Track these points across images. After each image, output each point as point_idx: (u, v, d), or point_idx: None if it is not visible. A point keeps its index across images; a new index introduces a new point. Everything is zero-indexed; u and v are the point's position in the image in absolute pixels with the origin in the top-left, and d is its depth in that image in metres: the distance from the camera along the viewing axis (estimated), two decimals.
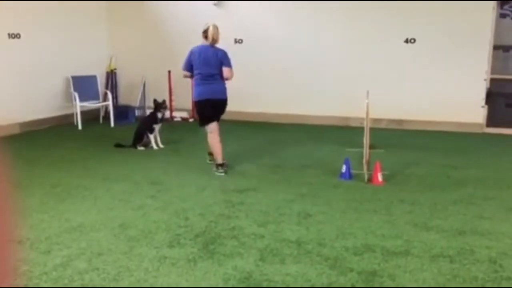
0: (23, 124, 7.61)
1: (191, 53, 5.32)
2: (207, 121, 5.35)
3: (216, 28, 5.32)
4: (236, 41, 9.03)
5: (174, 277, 2.90)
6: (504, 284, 2.82)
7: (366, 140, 5.14)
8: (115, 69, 9.54)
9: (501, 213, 4.07)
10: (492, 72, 8.02)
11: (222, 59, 5.23)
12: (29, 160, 5.79)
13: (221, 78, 5.25)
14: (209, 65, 5.20)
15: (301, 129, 8.04)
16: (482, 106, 8.06)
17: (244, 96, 9.03)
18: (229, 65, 5.25)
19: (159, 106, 6.67)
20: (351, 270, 2.99)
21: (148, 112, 9.37)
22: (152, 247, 3.33)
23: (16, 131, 7.44)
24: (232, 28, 8.98)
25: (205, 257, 3.17)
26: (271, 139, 7.26)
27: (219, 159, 5.29)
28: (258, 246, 3.35)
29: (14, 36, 7.38)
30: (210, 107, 5.28)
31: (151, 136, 6.55)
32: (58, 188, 4.67)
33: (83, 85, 8.44)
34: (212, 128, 5.36)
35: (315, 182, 4.94)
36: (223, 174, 5.22)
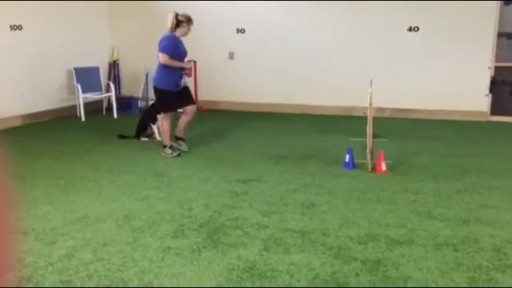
0: (26, 116, 7.62)
1: None
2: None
3: (170, 13, 5.50)
4: (238, 31, 8.99)
5: (178, 267, 2.91)
6: (508, 272, 2.82)
7: (369, 130, 5.13)
8: (117, 60, 9.53)
9: (505, 201, 4.06)
10: (497, 60, 7.96)
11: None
12: (32, 152, 5.81)
13: (161, 65, 5.49)
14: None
15: (305, 119, 8.02)
16: (486, 95, 8.02)
17: (246, 86, 9.02)
18: (160, 50, 5.45)
19: None
20: (355, 259, 3.00)
21: (151, 103, 9.38)
22: (157, 237, 3.34)
23: (19, 123, 7.45)
24: (234, 18, 8.94)
25: (209, 247, 3.18)
26: (275, 129, 7.25)
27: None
28: (262, 236, 3.36)
29: (16, 27, 7.36)
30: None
31: (154, 127, 6.53)
32: (62, 180, 4.68)
33: (85, 76, 8.43)
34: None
35: (319, 172, 4.94)
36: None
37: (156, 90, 5.65)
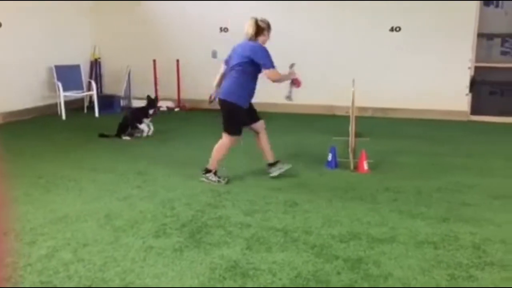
0: (6, 115, 7.49)
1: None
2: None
3: (250, 19, 4.61)
4: (221, 30, 8.97)
5: (160, 266, 2.89)
6: (487, 269, 2.86)
7: (352, 129, 5.16)
8: (99, 58, 9.43)
9: (485, 200, 4.12)
10: (476, 60, 8.08)
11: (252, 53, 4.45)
12: (12, 151, 5.71)
13: (239, 74, 4.49)
14: (233, 57, 4.57)
15: (288, 118, 8.04)
16: (467, 94, 8.13)
17: None
18: (266, 65, 4.44)
19: (152, 102, 6.76)
20: (337, 257, 3.01)
21: (134, 101, 9.30)
22: (139, 237, 3.31)
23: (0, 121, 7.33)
24: (217, 16, 8.91)
25: (192, 246, 3.17)
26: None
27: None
28: (245, 235, 3.35)
29: None
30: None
31: (142, 125, 6.61)
32: (42, 179, 4.62)
33: (66, 74, 8.32)
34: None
35: (302, 171, 4.95)
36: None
37: (227, 104, 4.50)
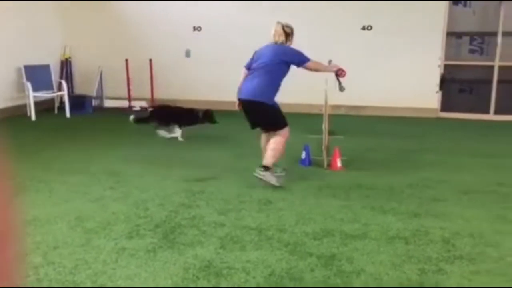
0: None
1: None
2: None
3: (277, 25, 4.61)
4: (195, 29, 8.92)
5: (133, 268, 2.86)
6: (456, 263, 2.92)
7: (325, 127, 5.20)
8: (69, 57, 9.26)
9: (454, 195, 4.21)
10: (446, 59, 8.25)
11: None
12: None
13: (267, 74, 4.47)
14: (260, 59, 4.55)
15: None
16: (437, 92, 8.30)
17: (203, 84, 8.96)
18: (300, 61, 4.57)
19: (208, 117, 6.53)
20: (311, 254, 3.03)
21: (106, 101, 9.18)
22: (111, 238, 3.27)
23: None
24: (190, 15, 8.86)
25: (165, 247, 3.14)
26: (232, 127, 7.23)
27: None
28: (219, 234, 3.35)
29: None
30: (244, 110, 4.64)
31: (178, 130, 6.45)
32: (11, 181, 4.50)
33: (36, 74, 8.15)
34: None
35: (276, 169, 4.96)
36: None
37: (259, 104, 4.47)
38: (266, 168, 4.38)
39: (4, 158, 0.75)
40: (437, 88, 8.28)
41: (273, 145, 4.47)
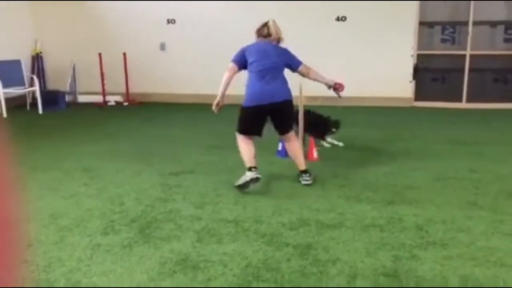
0: None
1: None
2: None
3: (273, 22, 4.48)
4: (168, 22, 8.83)
5: (108, 264, 2.83)
6: (430, 248, 2.98)
7: (300, 118, 5.22)
8: (40, 52, 9.07)
9: (427, 182, 4.29)
10: (419, 48, 8.36)
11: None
12: None
13: (281, 74, 4.33)
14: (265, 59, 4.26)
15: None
16: (410, 81, 8.40)
17: (178, 78, 8.90)
18: (297, 63, 4.43)
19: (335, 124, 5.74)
20: (287, 244, 3.05)
21: (79, 97, 9.05)
22: (85, 235, 3.23)
23: None
24: (164, 8, 8.76)
25: (141, 242, 3.12)
26: (208, 120, 7.21)
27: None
28: (195, 228, 3.34)
29: None
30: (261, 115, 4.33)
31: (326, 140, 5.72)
32: None
33: (6, 70, 7.95)
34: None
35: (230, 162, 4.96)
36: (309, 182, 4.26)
37: (290, 104, 4.29)
38: (308, 172, 4.27)
39: None
40: (411, 78, 8.39)
41: (300, 150, 4.39)
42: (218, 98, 4.41)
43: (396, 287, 2.55)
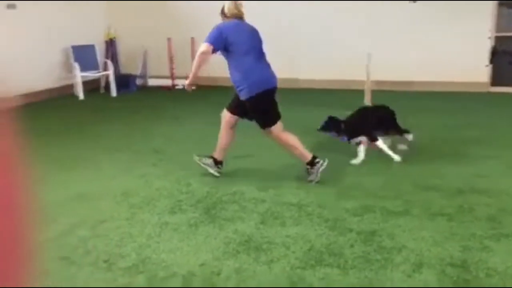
0: (24, 96, 7.59)
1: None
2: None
3: None
4: None
5: (175, 241, 2.94)
6: (503, 240, 2.84)
7: (367, 103, 5.11)
8: (114, 37, 9.45)
9: (500, 171, 4.07)
10: (497, 30, 7.86)
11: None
12: (30, 131, 5.81)
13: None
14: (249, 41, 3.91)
15: (307, 94, 7.99)
16: (486, 65, 7.95)
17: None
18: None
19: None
20: (351, 230, 3.03)
21: (150, 80, 9.36)
22: (154, 213, 3.37)
23: (18, 102, 7.40)
24: None
25: (206, 222, 3.22)
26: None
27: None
28: (259, 210, 3.38)
29: (10, 6, 7.30)
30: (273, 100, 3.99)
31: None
32: (60, 159, 4.70)
33: (82, 55, 8.37)
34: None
35: (316, 146, 4.93)
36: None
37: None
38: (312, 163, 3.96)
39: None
40: (487, 62, 7.93)
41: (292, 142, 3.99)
42: (192, 79, 4.05)
43: (464, 278, 2.47)
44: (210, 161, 4.13)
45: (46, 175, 4.23)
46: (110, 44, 9.40)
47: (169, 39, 8.92)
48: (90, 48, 8.61)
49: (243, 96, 3.84)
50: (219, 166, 4.14)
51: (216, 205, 3.50)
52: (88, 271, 2.64)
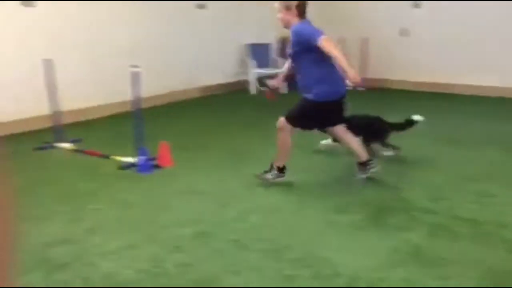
0: (202, 89, 8.29)
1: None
2: None
3: None
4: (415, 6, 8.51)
5: (340, 241, 2.94)
6: None
7: None
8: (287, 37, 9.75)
9: None
10: None
11: None
12: (208, 124, 6.29)
13: None
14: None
15: (478, 102, 7.37)
16: None
17: (415, 65, 8.56)
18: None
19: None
20: None
21: None
22: (320, 210, 3.42)
23: (196, 95, 8.14)
24: None
25: (372, 225, 3.16)
26: (444, 111, 6.80)
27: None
28: (428, 221, 3.21)
29: (201, 6, 8.02)
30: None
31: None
32: (235, 150, 5.00)
33: (257, 52, 8.84)
34: None
35: (485, 161, 4.51)
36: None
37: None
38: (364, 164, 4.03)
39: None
40: None
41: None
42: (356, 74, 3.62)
43: None
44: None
45: (222, 164, 4.55)
46: (282, 43, 9.74)
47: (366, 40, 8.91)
48: (265, 46, 9.04)
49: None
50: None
51: (383, 209, 3.41)
52: (257, 257, 2.77)
